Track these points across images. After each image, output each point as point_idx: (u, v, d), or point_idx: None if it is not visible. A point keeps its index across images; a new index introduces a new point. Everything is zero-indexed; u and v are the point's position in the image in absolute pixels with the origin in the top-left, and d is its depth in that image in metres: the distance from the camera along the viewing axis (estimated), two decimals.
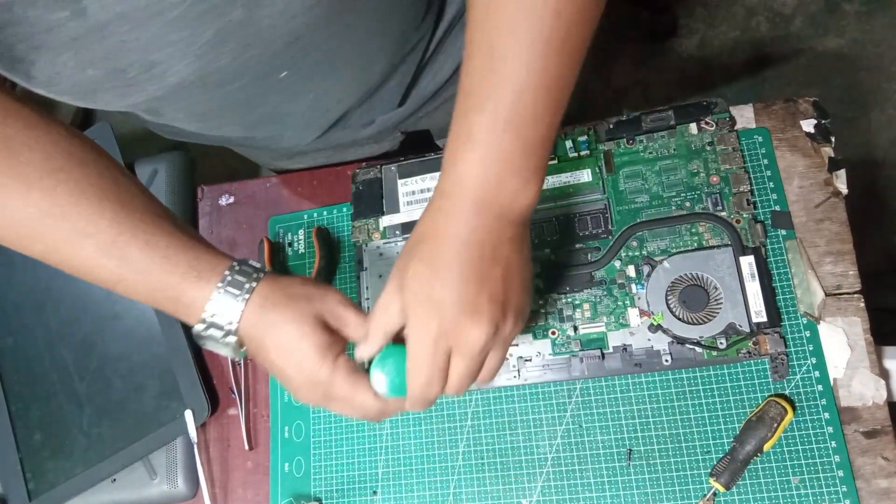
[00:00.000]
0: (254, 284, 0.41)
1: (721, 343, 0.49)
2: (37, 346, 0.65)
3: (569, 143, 0.55)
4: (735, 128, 0.53)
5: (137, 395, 0.62)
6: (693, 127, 0.53)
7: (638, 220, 0.53)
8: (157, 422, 0.61)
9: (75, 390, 0.63)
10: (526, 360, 0.53)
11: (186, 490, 0.60)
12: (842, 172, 0.52)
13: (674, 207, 0.52)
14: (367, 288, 0.58)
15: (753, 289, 0.49)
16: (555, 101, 0.36)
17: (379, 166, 0.60)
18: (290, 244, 0.64)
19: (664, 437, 0.51)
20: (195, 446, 0.60)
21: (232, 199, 0.68)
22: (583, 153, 0.55)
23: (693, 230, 0.51)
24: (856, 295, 0.50)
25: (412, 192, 0.58)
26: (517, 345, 0.53)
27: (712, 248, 0.50)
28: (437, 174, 0.58)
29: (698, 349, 0.49)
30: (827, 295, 0.50)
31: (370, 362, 0.42)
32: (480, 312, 0.37)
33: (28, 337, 0.66)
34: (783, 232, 0.51)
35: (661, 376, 0.51)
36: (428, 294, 0.37)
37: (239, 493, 0.60)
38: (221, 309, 0.41)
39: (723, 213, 0.51)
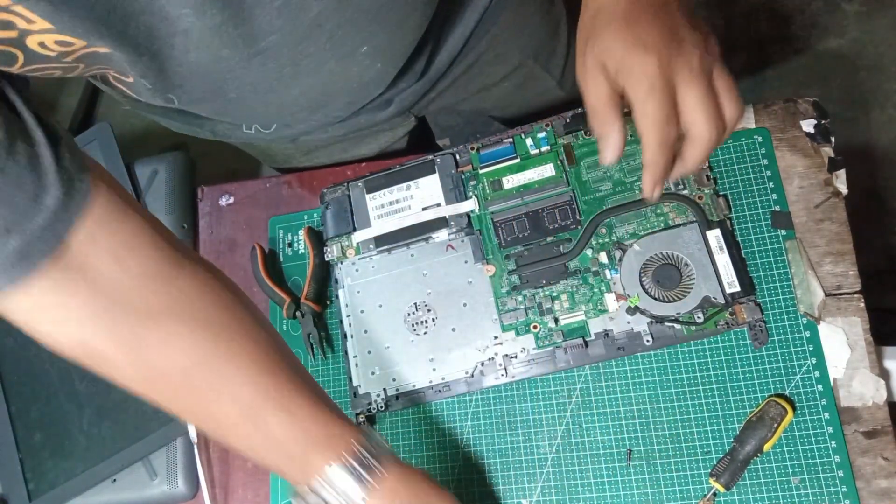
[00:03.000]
0: (378, 474, 0.41)
1: (699, 317, 0.50)
2: (37, 346, 0.65)
3: (529, 141, 0.56)
4: None
5: None
6: None
7: (604, 208, 0.54)
8: (157, 422, 0.60)
9: (75, 390, 0.63)
10: (511, 357, 0.53)
11: (186, 490, 0.60)
12: (842, 172, 0.52)
13: (637, 191, 0.53)
14: (346, 305, 0.58)
15: (723, 260, 0.50)
16: None
17: (346, 184, 0.61)
18: (291, 244, 0.64)
19: (664, 437, 0.51)
20: (195, 446, 0.60)
21: (232, 200, 0.68)
22: (543, 149, 0.56)
23: (658, 211, 0.52)
24: (856, 295, 0.50)
25: (381, 206, 0.59)
26: (501, 343, 0.54)
27: (679, 226, 0.51)
28: (402, 185, 0.58)
29: (677, 326, 0.50)
30: (827, 295, 0.50)
31: None
32: (683, 37, 0.38)
33: (28, 337, 0.66)
34: (783, 232, 0.51)
35: (661, 375, 0.51)
36: (635, 41, 0.37)
37: (239, 494, 0.60)
38: (341, 488, 0.40)
39: (685, 192, 0.52)
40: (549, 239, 0.54)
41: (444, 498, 0.43)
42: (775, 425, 0.47)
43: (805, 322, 0.50)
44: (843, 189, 0.51)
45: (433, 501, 0.43)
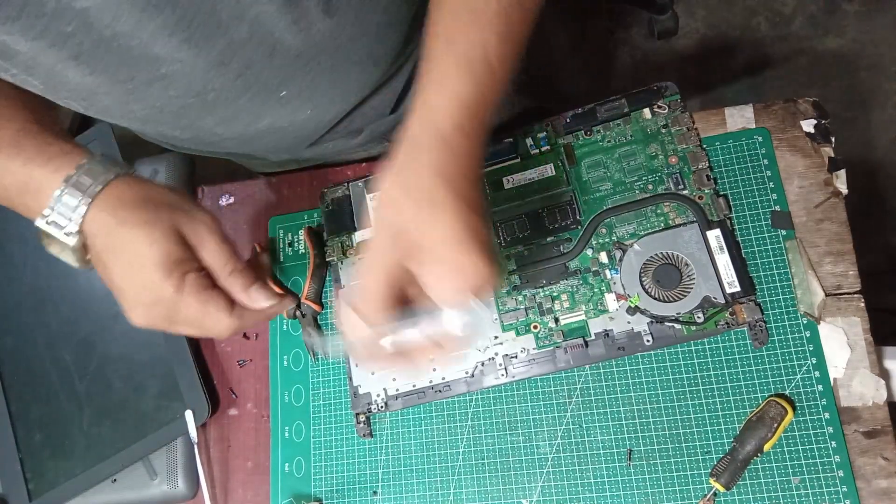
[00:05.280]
0: (110, 177, 0.38)
1: (699, 317, 0.50)
2: (37, 346, 0.65)
3: (529, 141, 0.56)
4: (688, 109, 0.54)
5: (137, 395, 0.62)
6: (647, 112, 0.54)
7: (604, 208, 0.54)
8: (157, 422, 0.61)
9: (75, 390, 0.63)
10: (512, 357, 0.53)
11: (186, 490, 0.60)
12: (842, 172, 0.52)
13: (637, 191, 0.53)
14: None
15: (723, 260, 0.50)
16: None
17: (346, 184, 0.61)
18: (291, 244, 0.64)
19: (664, 437, 0.51)
20: (195, 446, 0.60)
21: (232, 200, 0.68)
22: (543, 149, 0.56)
23: (658, 211, 0.52)
24: (856, 295, 0.50)
25: None
26: (501, 343, 0.54)
27: (679, 226, 0.51)
28: None
29: (677, 326, 0.50)
30: (827, 295, 0.50)
31: None
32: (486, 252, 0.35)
33: (28, 337, 0.66)
34: (783, 232, 0.51)
35: (661, 375, 0.51)
36: (480, 258, 0.34)
37: (239, 494, 0.60)
38: (66, 201, 0.38)
39: (685, 192, 0.52)
40: (549, 239, 0.54)
41: (195, 207, 0.40)
42: (775, 425, 0.47)
43: (805, 322, 0.50)
44: (844, 189, 0.51)
45: (177, 204, 0.39)
